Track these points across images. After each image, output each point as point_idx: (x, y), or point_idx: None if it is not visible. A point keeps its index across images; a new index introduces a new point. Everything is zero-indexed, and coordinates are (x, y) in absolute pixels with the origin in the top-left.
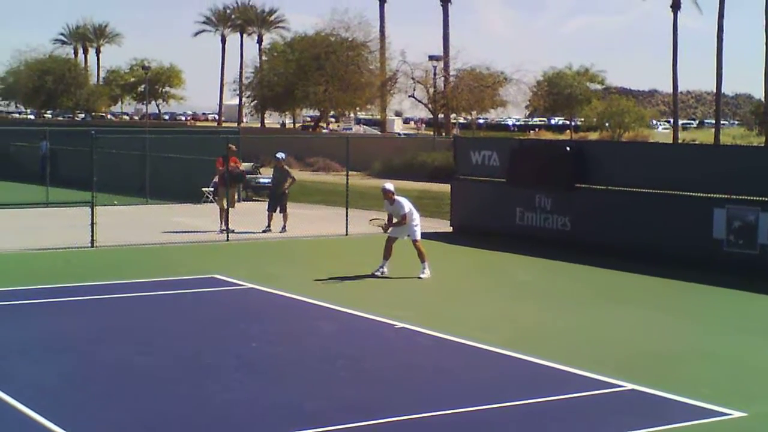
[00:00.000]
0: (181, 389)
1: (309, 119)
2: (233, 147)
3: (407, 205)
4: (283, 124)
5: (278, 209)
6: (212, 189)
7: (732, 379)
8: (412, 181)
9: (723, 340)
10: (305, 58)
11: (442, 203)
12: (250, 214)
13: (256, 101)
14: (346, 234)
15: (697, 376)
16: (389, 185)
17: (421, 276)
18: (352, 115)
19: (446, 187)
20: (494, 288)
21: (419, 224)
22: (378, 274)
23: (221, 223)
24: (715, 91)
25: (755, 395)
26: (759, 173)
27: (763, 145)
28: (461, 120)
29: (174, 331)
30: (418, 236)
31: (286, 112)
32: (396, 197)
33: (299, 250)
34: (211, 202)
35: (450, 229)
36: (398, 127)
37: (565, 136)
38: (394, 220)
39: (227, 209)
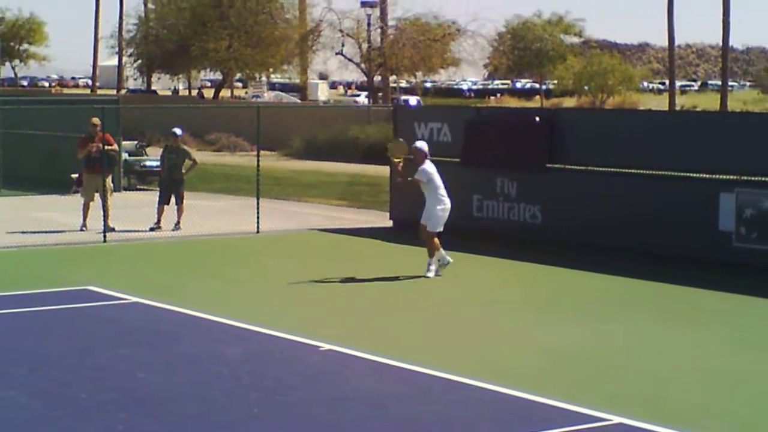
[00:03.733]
0: None
1: (208, 83)
2: (96, 121)
3: (428, 173)
4: (176, 90)
5: (172, 201)
6: (77, 176)
7: (747, 407)
8: (342, 162)
9: (733, 358)
10: (203, 5)
11: (380, 191)
12: (133, 207)
13: (140, 61)
14: (257, 231)
15: (702, 404)
16: (423, 144)
17: (427, 275)
18: (264, 78)
19: (384, 170)
20: (444, 298)
21: (445, 209)
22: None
23: (83, 219)
24: (721, 44)
25: None
26: None
27: None
28: (403, 83)
29: (37, 360)
30: (437, 228)
31: (180, 75)
32: (426, 162)
33: (197, 253)
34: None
35: (390, 224)
36: (323, 93)
37: (534, 103)
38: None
39: (105, 202)
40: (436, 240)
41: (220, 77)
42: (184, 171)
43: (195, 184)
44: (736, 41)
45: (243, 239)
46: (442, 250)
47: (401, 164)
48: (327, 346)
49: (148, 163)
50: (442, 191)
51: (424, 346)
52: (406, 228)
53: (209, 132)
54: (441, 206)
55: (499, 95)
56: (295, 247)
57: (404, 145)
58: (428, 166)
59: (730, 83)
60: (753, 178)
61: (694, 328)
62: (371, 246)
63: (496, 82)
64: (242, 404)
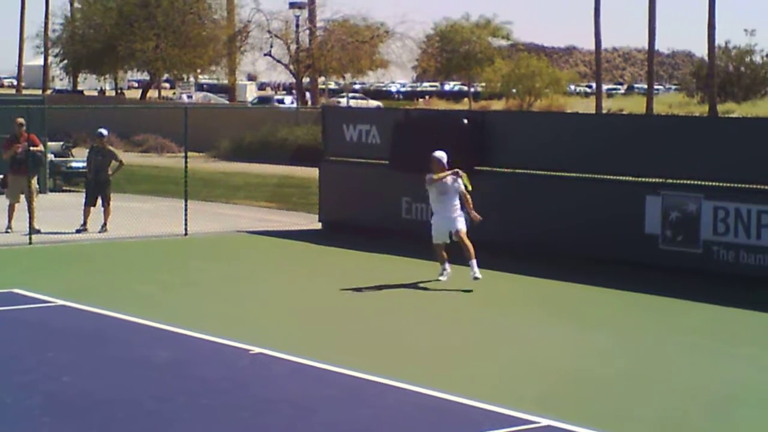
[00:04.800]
0: None
1: (135, 84)
2: (21, 122)
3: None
4: (102, 91)
5: (98, 202)
6: (1, 177)
7: (676, 410)
8: (270, 163)
9: (661, 360)
10: (129, 5)
11: (309, 193)
12: (59, 209)
13: (66, 61)
14: (186, 234)
15: (631, 407)
16: (442, 153)
17: (475, 275)
18: (192, 79)
19: (313, 172)
20: (373, 300)
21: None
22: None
23: (8, 220)
24: (647, 47)
25: (699, 430)
26: (701, 151)
27: (706, 115)
28: (332, 85)
29: None
30: (437, 239)
31: (106, 76)
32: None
33: (125, 256)
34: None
35: (319, 226)
36: (251, 94)
37: (463, 105)
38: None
39: (30, 203)
40: (439, 250)
41: (147, 78)
42: (110, 172)
43: (122, 185)
44: (662, 45)
45: (171, 241)
46: (446, 265)
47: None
48: (257, 350)
49: (74, 164)
50: (437, 205)
51: (354, 349)
52: (335, 230)
53: (136, 133)
54: (434, 217)
55: (427, 97)
56: (223, 250)
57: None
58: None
59: (655, 87)
60: (678, 181)
61: (622, 330)
62: (300, 248)
63: (425, 84)
64: (170, 408)
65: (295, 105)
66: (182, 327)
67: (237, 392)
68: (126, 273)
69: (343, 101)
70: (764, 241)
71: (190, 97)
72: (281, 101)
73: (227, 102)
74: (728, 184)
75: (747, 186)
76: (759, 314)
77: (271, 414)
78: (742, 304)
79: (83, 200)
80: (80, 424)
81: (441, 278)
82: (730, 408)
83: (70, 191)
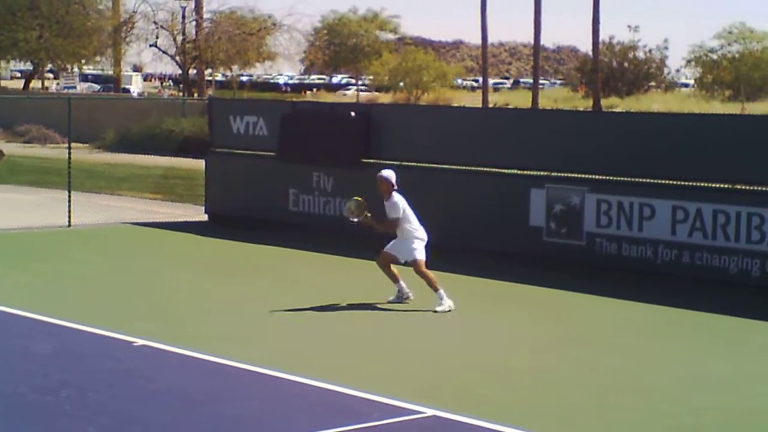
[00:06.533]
0: None
1: (18, 74)
2: None
3: (401, 206)
4: None
5: None
6: None
7: (555, 399)
8: (156, 155)
9: (543, 352)
10: None
11: (195, 184)
12: None
13: None
14: (69, 225)
15: (510, 396)
16: (389, 172)
17: (438, 309)
18: (76, 69)
19: (199, 164)
20: (258, 291)
21: (423, 239)
22: (402, 301)
23: None
24: (533, 43)
25: (580, 417)
26: (585, 145)
27: (590, 109)
28: (218, 77)
29: None
30: (420, 255)
31: None
32: (394, 194)
33: (5, 247)
34: None
35: (205, 218)
36: (137, 85)
37: (351, 98)
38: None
39: None
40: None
41: (31, 68)
42: None
43: (4, 176)
44: (548, 40)
45: (53, 233)
46: (402, 282)
47: (367, 219)
48: (141, 342)
49: None
50: (416, 224)
51: (238, 340)
52: (222, 222)
53: (19, 123)
54: (418, 239)
55: (315, 90)
56: (107, 242)
57: (363, 203)
58: (398, 197)
59: (541, 81)
60: (562, 175)
61: (505, 322)
62: (186, 240)
63: (313, 76)
64: (53, 401)
65: (137, 94)
66: (64, 319)
67: (122, 384)
68: (6, 264)
69: (349, 93)
70: (646, 233)
71: (73, 87)
72: (126, 90)
73: (111, 93)
74: (611, 177)
75: (629, 179)
76: (640, 305)
77: (156, 406)
78: (624, 295)
79: None
80: None
81: (391, 299)
82: (610, 396)
83: None
